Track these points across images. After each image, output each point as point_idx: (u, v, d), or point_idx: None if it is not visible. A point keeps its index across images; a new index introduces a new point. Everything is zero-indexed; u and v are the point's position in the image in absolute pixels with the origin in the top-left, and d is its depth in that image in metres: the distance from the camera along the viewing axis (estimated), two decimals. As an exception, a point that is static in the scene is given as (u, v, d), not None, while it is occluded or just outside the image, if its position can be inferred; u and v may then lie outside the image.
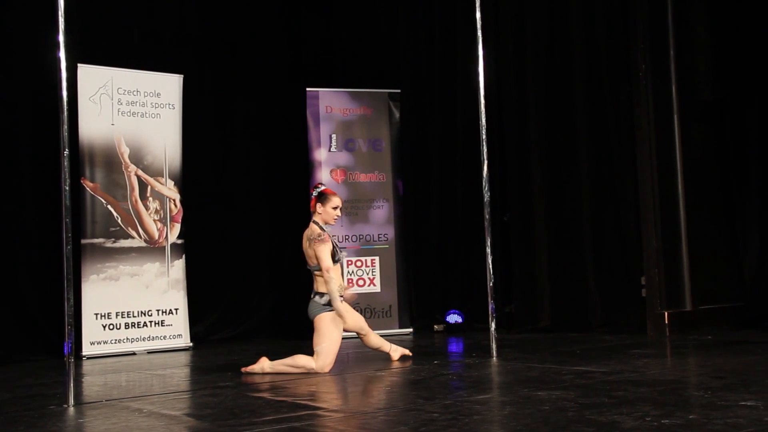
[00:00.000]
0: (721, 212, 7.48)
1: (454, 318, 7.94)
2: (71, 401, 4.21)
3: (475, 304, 7.80)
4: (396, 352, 5.66)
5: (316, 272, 5.28)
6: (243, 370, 5.26)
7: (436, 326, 8.04)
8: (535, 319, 7.52)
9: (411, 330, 7.94)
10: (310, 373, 5.07)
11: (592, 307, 7.19)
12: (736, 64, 7.31)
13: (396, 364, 5.44)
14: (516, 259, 7.81)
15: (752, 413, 3.23)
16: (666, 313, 6.69)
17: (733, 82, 7.35)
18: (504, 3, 8.00)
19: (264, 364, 5.21)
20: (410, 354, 5.71)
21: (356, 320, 5.43)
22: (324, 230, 5.30)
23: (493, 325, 5.59)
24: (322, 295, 5.24)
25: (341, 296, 5.24)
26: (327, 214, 5.33)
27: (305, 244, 5.31)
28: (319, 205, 5.34)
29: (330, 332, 5.19)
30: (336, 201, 5.36)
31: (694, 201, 7.11)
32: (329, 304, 5.21)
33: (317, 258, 5.20)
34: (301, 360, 5.16)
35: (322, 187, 5.43)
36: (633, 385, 4.03)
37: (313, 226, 5.33)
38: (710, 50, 7.39)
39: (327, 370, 5.13)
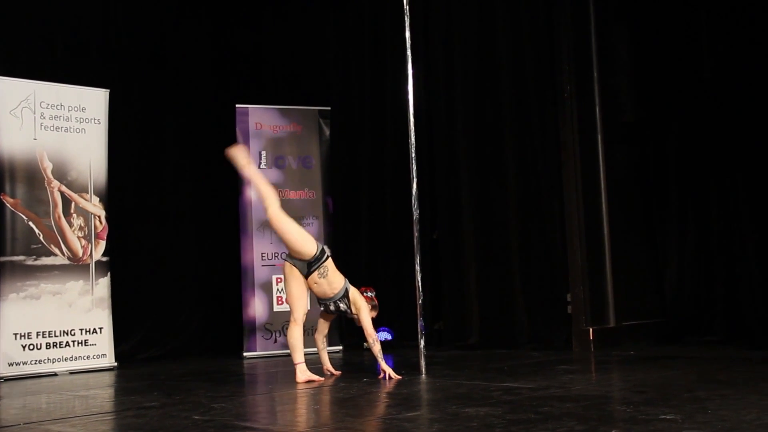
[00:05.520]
0: (643, 231, 7.69)
1: (383, 335, 7.94)
2: (-12, 425, 4.07)
3: (404, 322, 7.82)
4: (306, 374, 5.57)
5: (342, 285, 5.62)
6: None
7: (365, 344, 8.02)
8: (464, 336, 7.58)
9: (341, 347, 7.91)
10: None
11: (519, 324, 7.29)
12: (656, 87, 7.55)
13: (327, 382, 5.42)
14: (445, 276, 7.88)
15: (671, 427, 3.32)
16: (591, 330, 6.83)
17: (654, 105, 7.58)
18: (433, 23, 8.11)
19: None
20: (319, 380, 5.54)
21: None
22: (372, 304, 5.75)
23: (422, 342, 5.62)
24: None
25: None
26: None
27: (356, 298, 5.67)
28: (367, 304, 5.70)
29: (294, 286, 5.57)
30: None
31: (618, 220, 7.30)
32: (327, 256, 5.57)
33: (359, 306, 5.62)
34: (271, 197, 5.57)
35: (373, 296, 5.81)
36: (559, 401, 4.10)
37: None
38: (632, 73, 7.62)
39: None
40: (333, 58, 9.02)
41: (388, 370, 5.43)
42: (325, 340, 5.94)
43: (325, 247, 5.65)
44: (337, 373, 5.82)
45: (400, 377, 5.41)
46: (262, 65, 9.17)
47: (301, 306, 5.59)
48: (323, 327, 5.89)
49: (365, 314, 5.62)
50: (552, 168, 7.26)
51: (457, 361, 6.46)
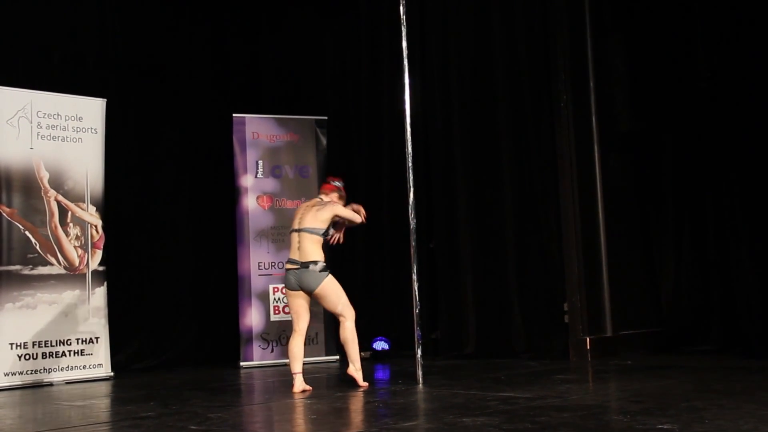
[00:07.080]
0: (640, 240, 7.70)
1: (380, 345, 7.94)
2: (-17, 435, 4.05)
3: (401, 331, 7.82)
4: (301, 384, 5.62)
5: (316, 235, 5.70)
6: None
7: (362, 353, 8.00)
8: (461, 346, 7.57)
9: (338, 357, 7.90)
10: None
11: (516, 333, 7.29)
12: (652, 97, 7.57)
13: (324, 392, 5.41)
14: (442, 285, 7.87)
15: (669, 436, 3.32)
16: (588, 339, 6.83)
17: (650, 114, 7.60)
18: (430, 33, 8.13)
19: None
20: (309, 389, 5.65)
21: None
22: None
23: (419, 352, 5.61)
24: (316, 262, 5.65)
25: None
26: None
27: (313, 211, 5.75)
28: (337, 196, 5.90)
29: (340, 290, 5.68)
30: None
31: (614, 229, 7.30)
32: (325, 270, 5.65)
33: (335, 211, 5.77)
34: (351, 346, 5.69)
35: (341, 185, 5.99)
36: (556, 411, 4.10)
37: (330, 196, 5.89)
38: (628, 83, 7.64)
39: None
40: (330, 68, 9.04)
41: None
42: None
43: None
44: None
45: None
46: (260, 75, 9.18)
47: (302, 319, 5.73)
48: None
49: (340, 210, 5.80)
50: (548, 178, 7.27)
51: (453, 370, 6.45)
